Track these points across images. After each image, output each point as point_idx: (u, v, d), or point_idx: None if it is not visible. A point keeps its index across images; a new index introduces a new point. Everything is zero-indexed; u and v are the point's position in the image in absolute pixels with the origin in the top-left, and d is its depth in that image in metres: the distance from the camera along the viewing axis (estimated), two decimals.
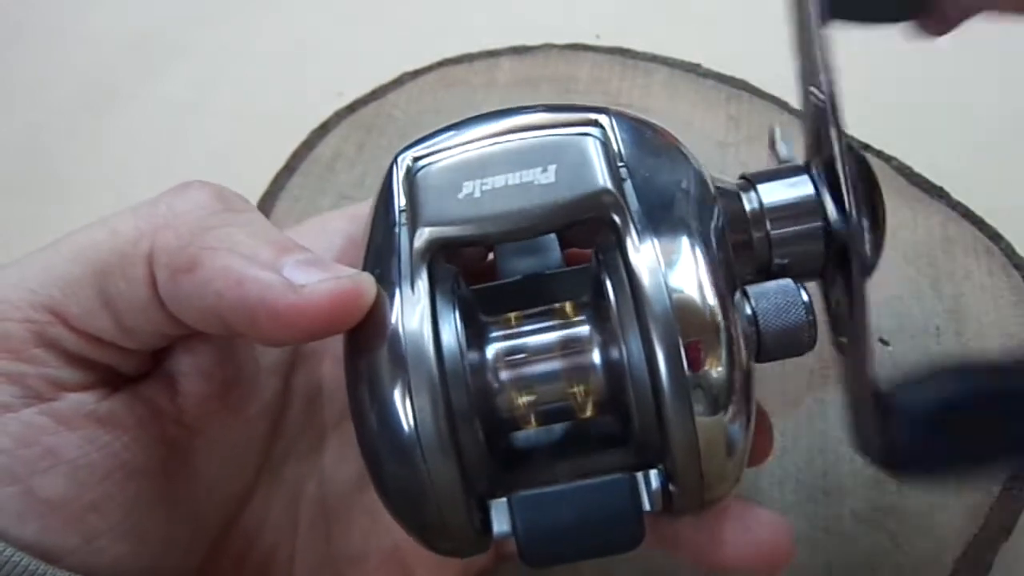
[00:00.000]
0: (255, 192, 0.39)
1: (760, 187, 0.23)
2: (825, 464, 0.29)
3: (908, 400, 0.18)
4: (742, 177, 0.23)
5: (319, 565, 0.24)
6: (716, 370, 0.18)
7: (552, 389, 0.20)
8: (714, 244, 0.20)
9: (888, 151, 0.37)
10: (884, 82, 0.40)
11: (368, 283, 0.19)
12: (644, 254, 0.19)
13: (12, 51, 0.51)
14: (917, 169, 0.36)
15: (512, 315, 0.21)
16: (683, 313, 0.18)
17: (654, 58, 0.42)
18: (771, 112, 0.39)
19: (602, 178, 0.20)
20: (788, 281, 0.20)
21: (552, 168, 0.20)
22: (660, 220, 0.20)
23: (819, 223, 0.22)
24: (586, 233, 0.21)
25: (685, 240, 0.19)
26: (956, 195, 0.35)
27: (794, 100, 0.39)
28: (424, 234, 0.20)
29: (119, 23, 0.51)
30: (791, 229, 0.22)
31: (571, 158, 0.20)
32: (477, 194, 0.20)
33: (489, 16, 0.48)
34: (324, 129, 0.41)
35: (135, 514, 0.20)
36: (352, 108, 0.42)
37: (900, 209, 0.35)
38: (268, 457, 0.24)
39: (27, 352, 0.19)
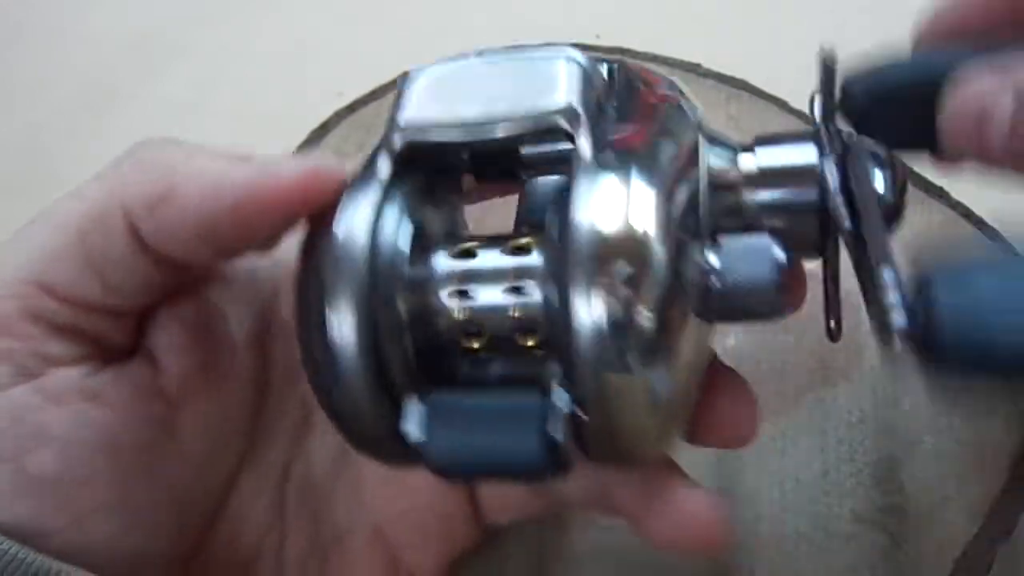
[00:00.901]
0: None
1: (759, 149, 0.21)
2: (825, 464, 0.29)
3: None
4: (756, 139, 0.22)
5: (308, 548, 0.24)
6: (642, 310, 0.17)
7: (488, 315, 0.20)
8: (679, 184, 0.19)
9: None
10: None
11: (334, 160, 0.21)
12: (586, 179, 0.18)
13: (12, 51, 0.51)
14: (917, 169, 0.36)
15: (467, 236, 0.21)
16: (612, 243, 0.17)
17: (654, 58, 0.42)
18: (771, 112, 0.39)
19: (572, 96, 0.20)
20: (764, 236, 0.19)
21: (527, 82, 0.20)
22: (621, 150, 0.19)
23: (813, 193, 0.21)
24: None
25: (641, 172, 0.18)
26: (956, 195, 0.35)
27: (794, 100, 0.39)
28: (389, 139, 0.20)
29: (119, 23, 0.51)
30: (780, 194, 0.21)
31: (548, 75, 0.20)
32: (452, 100, 0.20)
33: (489, 16, 0.48)
34: (324, 129, 0.41)
35: (124, 491, 0.20)
36: (352, 108, 0.42)
37: None
38: (253, 437, 0.24)
39: (15, 327, 0.19)
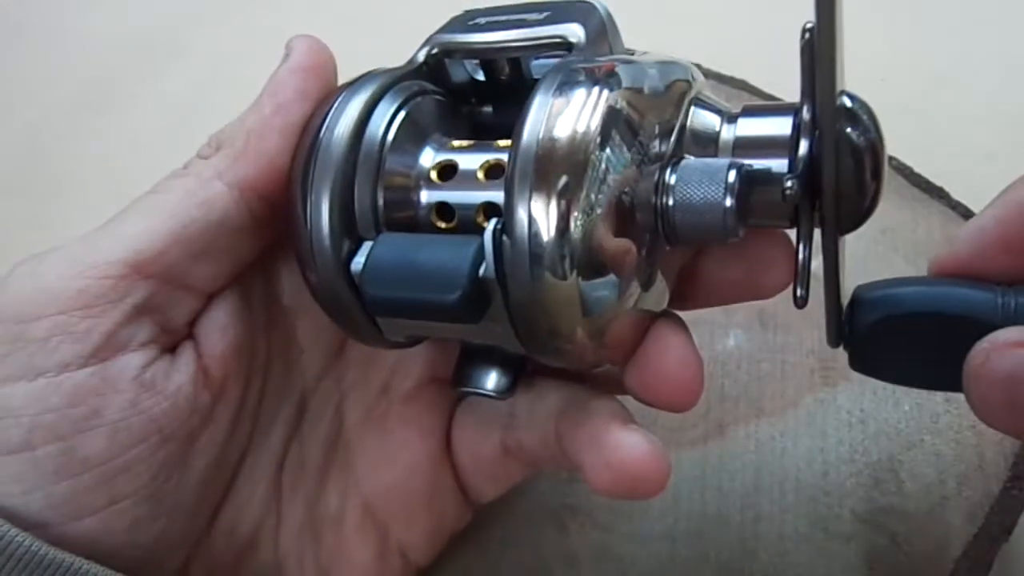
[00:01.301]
0: None
1: (742, 119, 0.21)
2: (825, 464, 0.29)
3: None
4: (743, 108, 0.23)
5: (303, 530, 0.25)
6: (578, 219, 0.18)
7: (461, 205, 0.21)
8: (648, 114, 0.20)
9: (888, 151, 0.37)
10: (885, 82, 0.40)
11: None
12: (547, 85, 0.19)
13: (12, 51, 0.51)
14: (917, 169, 0.36)
15: (463, 140, 0.22)
16: (553, 149, 0.18)
17: None
18: None
19: (580, 30, 0.21)
20: (724, 160, 0.20)
21: (547, 13, 0.22)
22: (593, 71, 0.20)
23: (784, 164, 0.20)
24: None
25: (602, 93, 0.19)
26: (956, 195, 0.35)
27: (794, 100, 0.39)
28: (424, 47, 0.23)
29: (119, 23, 0.51)
30: (753, 164, 0.21)
31: (567, 12, 0.22)
32: (482, 22, 0.23)
33: None
34: None
35: (160, 479, 0.21)
36: None
37: (900, 209, 0.35)
38: (255, 424, 0.24)
39: (99, 308, 0.20)
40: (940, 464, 0.28)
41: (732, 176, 0.19)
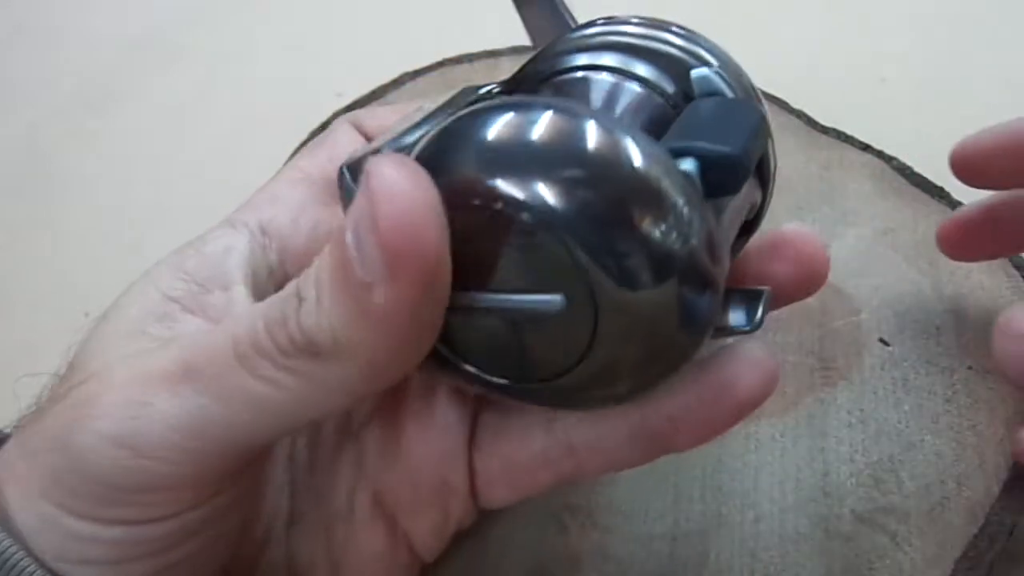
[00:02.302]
0: None
1: None
2: (825, 464, 0.29)
3: None
4: None
5: (314, 524, 0.25)
6: None
7: None
8: None
9: (888, 151, 0.37)
10: (885, 82, 0.40)
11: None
12: None
13: (12, 51, 0.51)
14: (917, 169, 0.36)
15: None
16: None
17: None
18: (770, 112, 0.39)
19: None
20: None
21: None
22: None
23: None
24: None
25: None
26: (956, 195, 0.35)
27: (794, 101, 0.39)
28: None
29: (119, 23, 0.52)
30: None
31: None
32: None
33: (489, 16, 0.48)
34: (324, 129, 0.41)
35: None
36: (352, 108, 0.42)
37: (900, 209, 0.35)
38: None
39: (193, 490, 0.20)
40: (940, 464, 0.28)
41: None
